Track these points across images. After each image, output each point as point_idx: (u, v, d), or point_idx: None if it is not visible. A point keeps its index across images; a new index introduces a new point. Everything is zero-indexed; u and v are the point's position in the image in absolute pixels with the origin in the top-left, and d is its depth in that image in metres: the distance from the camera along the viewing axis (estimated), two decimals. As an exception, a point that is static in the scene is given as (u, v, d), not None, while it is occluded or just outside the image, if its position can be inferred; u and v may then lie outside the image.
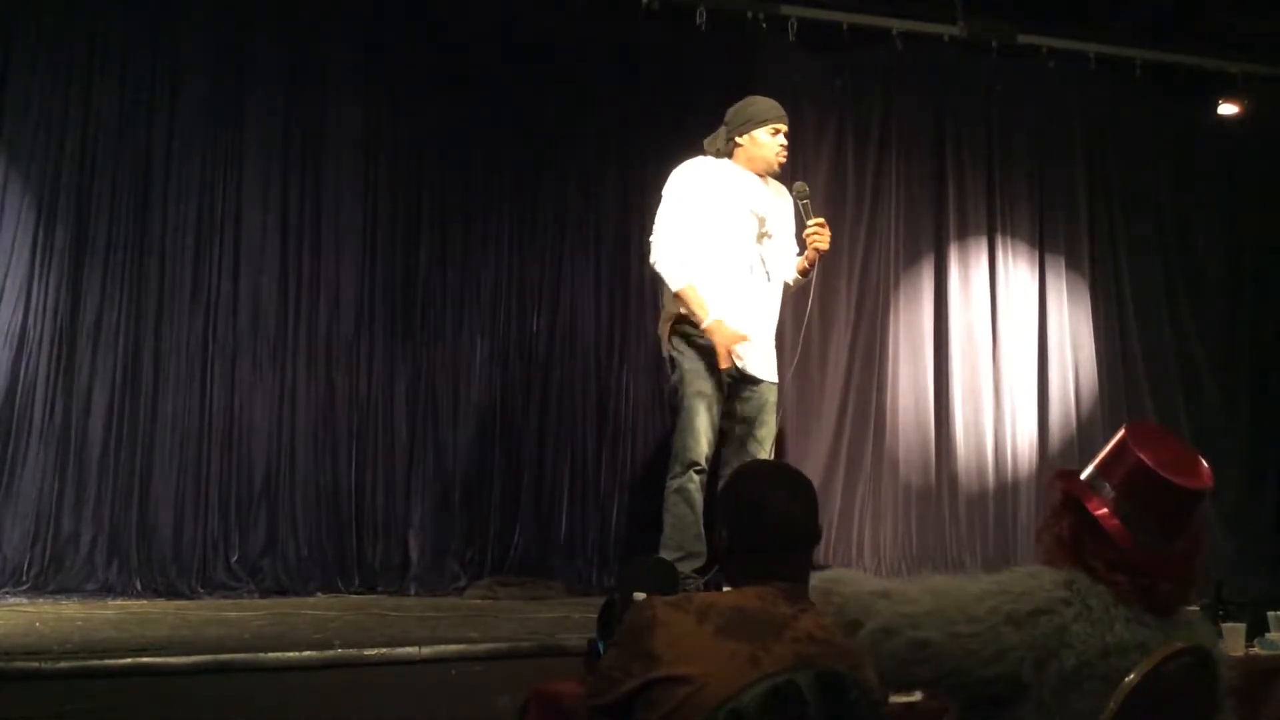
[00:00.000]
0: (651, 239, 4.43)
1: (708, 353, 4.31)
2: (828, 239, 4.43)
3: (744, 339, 4.30)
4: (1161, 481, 1.87)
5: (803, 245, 4.51)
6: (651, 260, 4.42)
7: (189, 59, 5.28)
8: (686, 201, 4.39)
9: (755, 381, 4.42)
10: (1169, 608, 1.87)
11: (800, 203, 4.47)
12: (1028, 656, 1.78)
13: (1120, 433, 1.97)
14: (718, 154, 4.48)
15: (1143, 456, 1.89)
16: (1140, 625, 1.81)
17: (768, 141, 4.45)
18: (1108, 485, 1.91)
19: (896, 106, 6.29)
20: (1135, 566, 1.84)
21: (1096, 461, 1.97)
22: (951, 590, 1.90)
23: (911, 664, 1.86)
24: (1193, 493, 1.89)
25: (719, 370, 4.30)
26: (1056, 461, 6.06)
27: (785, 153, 4.50)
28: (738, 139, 4.46)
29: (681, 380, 4.38)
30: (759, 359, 4.43)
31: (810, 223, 4.41)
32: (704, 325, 4.27)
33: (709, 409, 4.33)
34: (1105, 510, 1.88)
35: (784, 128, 4.48)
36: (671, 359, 4.44)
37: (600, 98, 5.83)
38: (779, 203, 4.54)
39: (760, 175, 4.49)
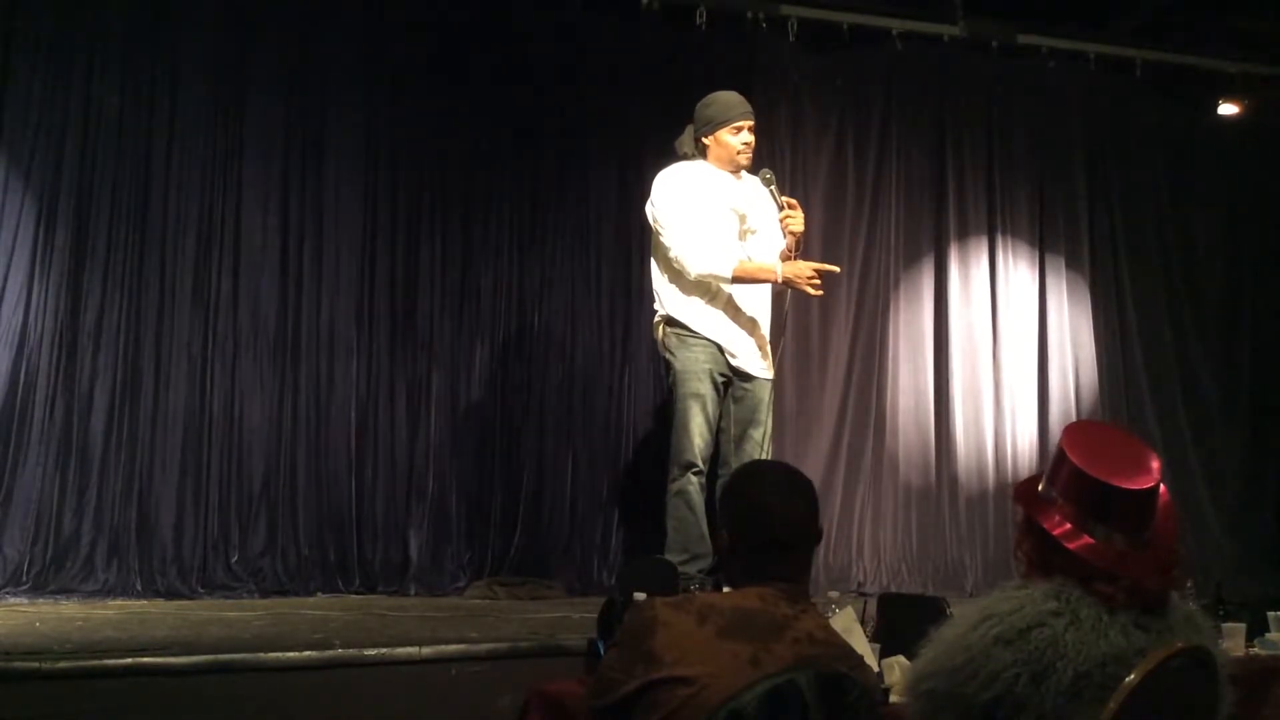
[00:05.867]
0: (667, 243, 4.33)
1: (702, 352, 4.31)
2: (801, 220, 4.37)
3: (814, 275, 4.29)
4: (1099, 484, 1.80)
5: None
6: (690, 271, 4.30)
7: (189, 59, 5.28)
8: (683, 203, 4.36)
9: (749, 379, 4.41)
10: (1162, 599, 1.83)
11: (769, 189, 4.44)
12: (1023, 672, 1.74)
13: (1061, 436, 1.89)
14: (688, 156, 4.45)
15: (1075, 461, 1.81)
16: (1138, 630, 1.78)
17: (731, 140, 4.39)
18: (1055, 494, 1.85)
19: (896, 107, 6.28)
20: (1109, 572, 1.78)
21: (1047, 470, 1.90)
22: (946, 632, 1.86)
23: (934, 717, 1.83)
24: (1134, 492, 1.80)
25: (713, 369, 4.31)
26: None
27: (749, 149, 4.42)
28: (704, 140, 4.43)
29: (676, 381, 4.36)
30: (752, 355, 4.42)
31: (783, 201, 4.39)
32: (781, 277, 4.29)
33: (703, 409, 4.31)
34: (1062, 525, 1.82)
35: (748, 123, 4.40)
36: (666, 361, 4.43)
37: (600, 97, 5.82)
38: (756, 197, 4.49)
39: (732, 173, 4.47)
